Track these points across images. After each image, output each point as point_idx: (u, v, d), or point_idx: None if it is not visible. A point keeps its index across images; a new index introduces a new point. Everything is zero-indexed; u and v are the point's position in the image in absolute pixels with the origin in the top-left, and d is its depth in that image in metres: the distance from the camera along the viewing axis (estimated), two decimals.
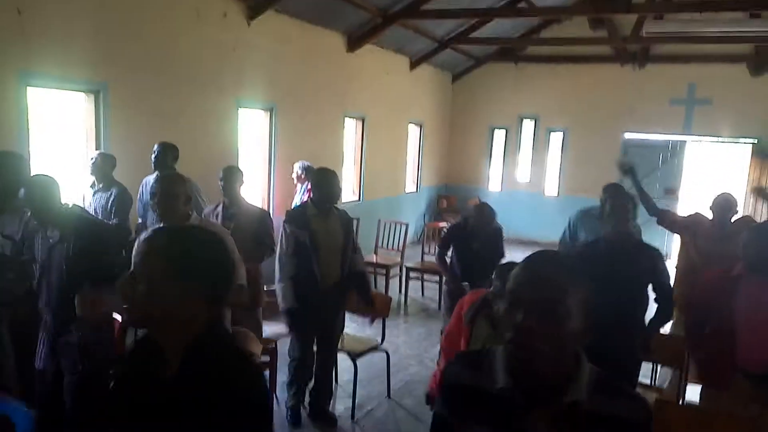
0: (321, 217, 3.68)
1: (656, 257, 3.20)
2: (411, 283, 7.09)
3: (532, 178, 11.27)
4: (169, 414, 1.23)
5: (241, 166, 5.39)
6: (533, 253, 1.20)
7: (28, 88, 4.06)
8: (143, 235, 1.33)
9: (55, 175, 2.83)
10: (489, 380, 1.18)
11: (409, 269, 7.10)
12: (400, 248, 7.50)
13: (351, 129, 8.58)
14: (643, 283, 3.20)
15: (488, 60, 11.07)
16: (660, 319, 3.30)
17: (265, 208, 6.56)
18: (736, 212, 4.12)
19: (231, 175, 4.36)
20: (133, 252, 1.27)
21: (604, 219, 3.22)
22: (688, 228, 4.28)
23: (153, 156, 4.45)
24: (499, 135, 11.49)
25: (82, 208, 3.37)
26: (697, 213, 4.41)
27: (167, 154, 4.46)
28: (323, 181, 3.70)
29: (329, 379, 4.05)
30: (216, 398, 1.22)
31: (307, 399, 4.01)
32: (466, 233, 4.74)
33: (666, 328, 4.27)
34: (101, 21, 4.52)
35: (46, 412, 2.69)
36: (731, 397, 2.78)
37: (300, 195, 6.30)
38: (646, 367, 4.48)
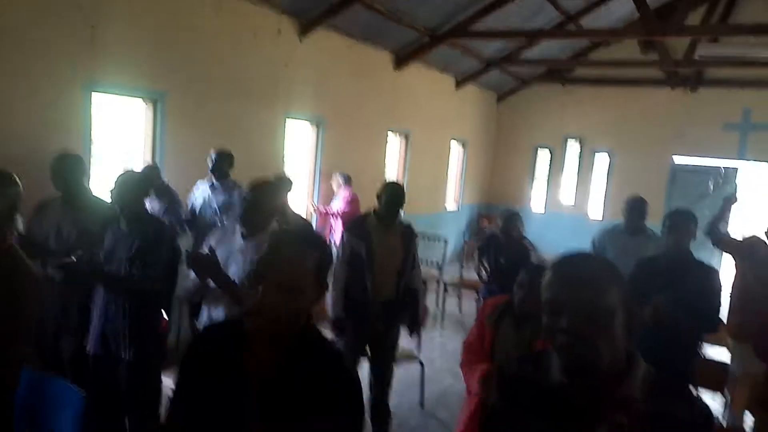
0: (382, 229, 3.58)
1: (714, 275, 3.15)
2: (449, 298, 7.10)
3: (576, 200, 11.12)
4: (269, 413, 1.25)
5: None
6: (561, 258, 1.19)
7: (93, 93, 4.32)
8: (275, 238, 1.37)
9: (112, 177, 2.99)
10: (546, 377, 1.19)
11: (447, 284, 7.12)
12: (440, 264, 7.54)
13: (395, 144, 8.70)
14: (700, 300, 3.11)
15: (534, 81, 11.05)
16: (703, 327, 3.20)
17: (308, 219, 6.72)
18: None
19: (282, 184, 4.52)
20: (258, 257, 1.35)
21: (662, 235, 3.22)
22: (742, 251, 4.17)
23: (210, 162, 4.64)
24: (543, 155, 11.41)
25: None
26: (753, 236, 4.29)
27: (224, 161, 4.66)
28: (389, 193, 3.57)
29: (384, 397, 3.76)
30: (316, 396, 1.24)
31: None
32: (495, 244, 4.80)
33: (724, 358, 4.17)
34: (164, 35, 4.79)
35: (99, 396, 2.81)
36: None
37: (337, 202, 6.46)
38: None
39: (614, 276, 1.14)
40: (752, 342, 3.53)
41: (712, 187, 9.91)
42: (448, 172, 10.30)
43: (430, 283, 7.21)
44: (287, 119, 6.34)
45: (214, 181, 4.66)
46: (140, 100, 4.83)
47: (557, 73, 10.83)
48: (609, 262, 1.19)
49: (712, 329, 3.18)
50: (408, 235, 3.65)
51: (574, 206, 11.09)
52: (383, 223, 3.59)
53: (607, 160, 10.80)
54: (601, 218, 10.72)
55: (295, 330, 1.30)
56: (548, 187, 11.36)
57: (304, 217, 5.15)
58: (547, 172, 11.38)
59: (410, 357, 4.34)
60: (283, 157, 6.39)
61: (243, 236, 2.78)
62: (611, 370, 1.11)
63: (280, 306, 1.24)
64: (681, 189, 10.03)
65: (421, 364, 4.40)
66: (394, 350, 3.80)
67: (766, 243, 4.09)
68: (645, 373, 1.14)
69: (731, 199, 4.78)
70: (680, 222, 3.13)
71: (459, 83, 9.74)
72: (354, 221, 3.78)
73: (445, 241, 7.74)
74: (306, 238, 1.35)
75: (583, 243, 3.91)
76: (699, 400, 1.16)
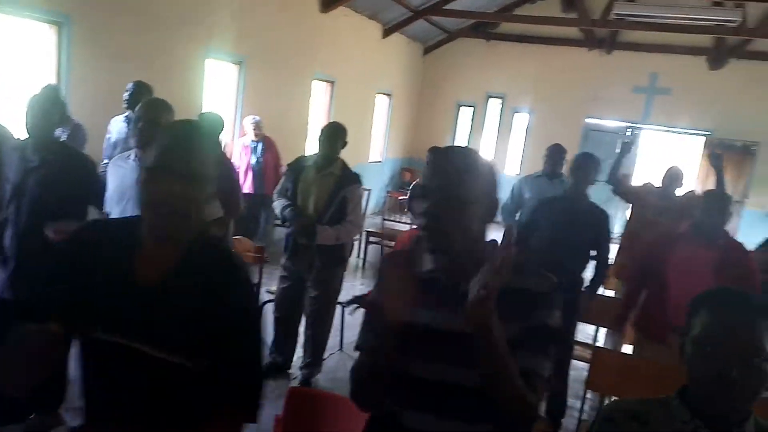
0: (314, 170, 3.52)
1: (604, 219, 3.43)
2: (371, 248, 7.18)
3: (495, 157, 11.46)
4: (157, 319, 1.20)
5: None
6: (438, 149, 1.29)
7: None
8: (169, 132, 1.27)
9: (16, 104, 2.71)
10: (417, 267, 1.30)
11: (369, 233, 7.19)
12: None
13: (319, 91, 8.54)
14: (588, 241, 3.40)
15: (460, 35, 11.12)
16: (597, 278, 3.52)
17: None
18: (682, 185, 4.35)
19: (210, 124, 4.23)
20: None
21: (569, 177, 3.48)
22: (638, 196, 4.50)
23: (127, 94, 4.31)
24: (466, 112, 11.62)
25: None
26: (647, 182, 4.63)
27: (142, 94, 4.33)
28: (322, 134, 3.53)
29: (318, 334, 3.82)
30: (209, 301, 1.21)
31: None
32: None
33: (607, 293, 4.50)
34: None
35: None
36: (661, 349, 2.97)
37: (257, 156, 6.24)
38: (588, 329, 4.74)
39: (481, 170, 1.25)
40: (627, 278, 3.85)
41: (619, 147, 10.50)
42: (373, 124, 10.28)
43: None
44: (207, 58, 6.04)
45: (131, 115, 4.35)
46: (44, 23, 4.42)
47: (482, 28, 10.95)
48: (481, 157, 1.28)
49: (602, 279, 3.48)
50: (341, 182, 3.50)
51: (492, 162, 11.39)
52: (317, 165, 3.53)
53: (527, 119, 11.16)
54: (517, 174, 11.14)
55: (189, 235, 1.25)
56: (469, 144, 11.61)
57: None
58: (469, 129, 11.61)
59: None
60: (203, 97, 6.11)
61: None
62: (471, 253, 1.22)
63: (178, 197, 1.17)
64: (592, 148, 10.51)
65: (342, 308, 4.45)
66: (325, 287, 3.71)
67: (656, 189, 4.44)
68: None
69: (629, 144, 5.02)
70: (581, 165, 3.38)
71: (386, 32, 9.62)
72: (296, 158, 3.74)
73: (368, 192, 7.78)
74: (204, 131, 1.29)
75: (501, 197, 4.06)
76: (547, 275, 1.29)
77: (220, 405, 1.27)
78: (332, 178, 3.50)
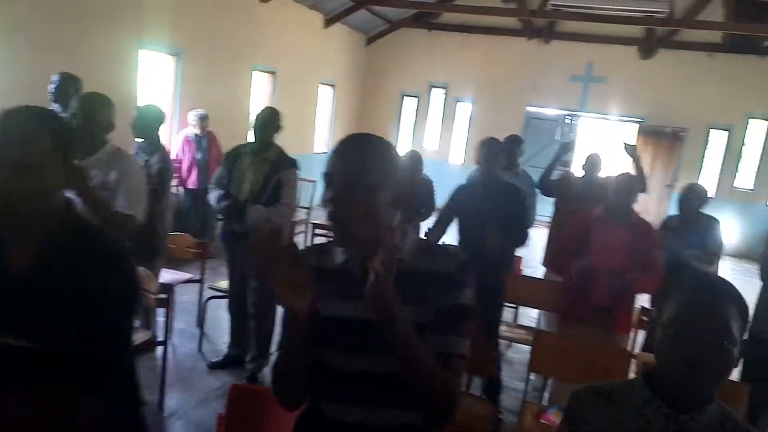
0: (250, 156, 3.51)
1: (520, 192, 3.54)
2: (317, 239, 7.13)
3: (440, 146, 11.58)
4: (23, 311, 1.17)
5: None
6: (344, 137, 1.27)
7: None
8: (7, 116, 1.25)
9: None
10: (330, 259, 1.30)
11: (315, 225, 7.14)
12: (307, 206, 7.52)
13: (260, 82, 8.39)
14: (507, 214, 3.42)
15: (402, 25, 11.15)
16: (519, 236, 3.50)
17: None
18: (602, 170, 4.52)
19: (148, 116, 3.97)
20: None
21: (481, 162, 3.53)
22: (560, 187, 4.62)
23: (53, 87, 4.08)
24: (409, 102, 11.68)
25: None
26: (567, 172, 4.77)
27: (69, 87, 4.11)
28: (256, 119, 3.54)
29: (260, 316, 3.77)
30: (74, 289, 1.18)
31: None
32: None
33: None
34: None
35: None
36: (581, 327, 3.09)
37: (202, 151, 6.07)
38: (531, 312, 4.88)
39: (385, 155, 1.23)
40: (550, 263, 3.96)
41: (559, 135, 10.82)
42: (318, 114, 10.19)
43: (299, 225, 7.21)
44: (140, 49, 5.82)
45: (59, 109, 4.13)
46: None
47: (424, 18, 11.01)
48: (386, 143, 1.26)
49: (520, 242, 3.51)
50: (275, 166, 3.50)
51: (437, 152, 11.55)
52: (253, 151, 3.53)
53: (470, 108, 11.32)
54: (462, 163, 11.32)
55: (50, 222, 1.23)
56: (414, 134, 11.69)
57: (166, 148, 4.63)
58: (413, 119, 11.68)
59: None
60: (137, 90, 5.89)
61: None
62: (376, 240, 1.21)
63: (17, 186, 1.17)
64: (533, 136, 10.84)
65: None
66: (259, 283, 3.67)
67: (578, 178, 4.60)
68: (414, 243, 1.28)
69: (568, 145, 5.25)
70: (488, 150, 3.43)
71: (328, 22, 9.53)
72: (233, 147, 3.71)
73: (314, 183, 7.71)
74: (39, 114, 1.27)
75: (445, 185, 4.12)
76: (455, 254, 1.29)
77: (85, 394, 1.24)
78: (267, 163, 3.49)
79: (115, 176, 2.59)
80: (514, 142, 4.51)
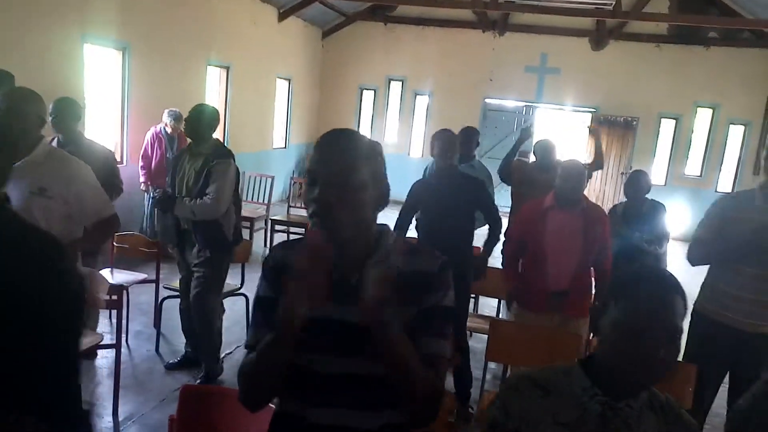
0: (189, 154, 3.55)
1: (479, 182, 3.58)
2: (277, 236, 7.05)
3: (399, 140, 11.59)
4: None
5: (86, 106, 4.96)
6: (325, 133, 1.24)
7: None
8: None
9: None
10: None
11: (274, 221, 7.05)
12: (266, 202, 7.44)
13: (214, 78, 8.22)
14: (468, 203, 3.47)
15: (358, 18, 11.09)
16: (491, 239, 3.61)
17: (119, 154, 6.14)
18: (555, 155, 4.59)
19: (64, 109, 3.81)
20: None
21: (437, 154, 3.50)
22: (515, 174, 4.69)
23: None
24: (368, 95, 11.64)
25: None
26: (518, 159, 4.84)
27: (1, 83, 3.93)
28: (187, 117, 3.54)
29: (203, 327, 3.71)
30: (18, 300, 1.06)
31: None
32: None
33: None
34: None
35: None
36: (539, 318, 3.14)
37: (174, 151, 5.91)
38: (491, 302, 4.92)
39: (368, 155, 1.21)
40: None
41: (516, 126, 10.97)
42: (275, 110, 10.05)
43: (258, 222, 7.10)
44: (85, 43, 5.61)
45: (8, 89, 3.92)
46: None
47: (380, 11, 10.97)
48: (370, 141, 1.25)
49: (497, 239, 3.58)
50: (208, 159, 3.45)
51: (396, 145, 11.56)
52: (191, 149, 3.56)
53: (427, 101, 11.36)
54: (421, 156, 11.35)
55: None
56: (373, 127, 11.66)
57: (103, 145, 4.42)
58: (372, 113, 11.66)
59: (233, 293, 4.26)
60: (83, 86, 5.68)
61: None
62: (362, 239, 1.22)
63: None
64: (491, 128, 10.97)
65: (246, 298, 4.34)
66: (202, 271, 3.59)
67: (532, 165, 4.68)
68: (395, 242, 1.27)
69: (527, 132, 5.30)
70: (443, 143, 3.41)
71: (282, 15, 9.40)
72: (181, 149, 3.75)
73: (272, 179, 7.62)
74: None
75: (405, 179, 4.08)
76: (436, 253, 1.30)
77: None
78: (201, 157, 3.48)
79: (59, 188, 2.50)
80: (469, 133, 4.50)
